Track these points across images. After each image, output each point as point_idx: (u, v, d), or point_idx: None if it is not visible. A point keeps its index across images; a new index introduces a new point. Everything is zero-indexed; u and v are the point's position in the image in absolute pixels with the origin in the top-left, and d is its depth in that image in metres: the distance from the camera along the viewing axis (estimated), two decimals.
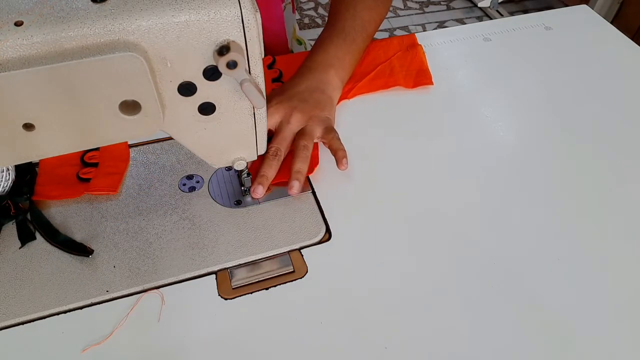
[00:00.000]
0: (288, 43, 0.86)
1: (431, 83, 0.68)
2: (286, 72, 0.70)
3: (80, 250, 0.51)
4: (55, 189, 0.55)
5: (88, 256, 0.51)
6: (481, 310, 0.47)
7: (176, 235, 0.52)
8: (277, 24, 0.81)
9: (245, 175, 0.53)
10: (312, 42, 0.71)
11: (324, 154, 0.59)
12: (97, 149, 0.60)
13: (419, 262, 0.50)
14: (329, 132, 0.58)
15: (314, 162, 0.58)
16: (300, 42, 0.90)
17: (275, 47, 0.83)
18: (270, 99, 0.60)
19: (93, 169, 0.58)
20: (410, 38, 0.75)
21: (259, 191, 0.54)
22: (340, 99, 0.65)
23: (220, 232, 0.53)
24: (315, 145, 0.60)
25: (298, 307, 0.47)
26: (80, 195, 0.55)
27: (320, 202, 0.56)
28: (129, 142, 0.61)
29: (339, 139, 0.58)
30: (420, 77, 0.69)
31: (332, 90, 0.63)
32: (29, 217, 0.53)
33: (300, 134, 0.58)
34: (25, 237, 0.51)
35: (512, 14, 2.32)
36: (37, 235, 0.52)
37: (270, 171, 0.55)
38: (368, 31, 0.68)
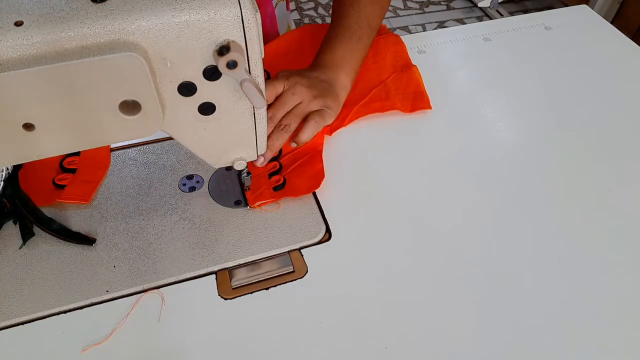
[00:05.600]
0: None
1: (429, 107, 0.65)
2: (274, 66, 0.69)
3: (81, 239, 0.51)
4: (28, 190, 0.54)
5: (91, 244, 0.51)
6: (481, 310, 0.47)
7: (176, 235, 0.52)
8: (267, 19, 0.82)
9: (245, 175, 0.53)
10: None
11: (327, 159, 0.59)
12: (77, 154, 0.59)
13: (419, 262, 0.50)
14: (317, 115, 0.59)
15: (320, 176, 0.57)
16: None
17: (266, 41, 0.83)
18: (279, 72, 0.61)
19: (70, 175, 0.57)
20: (403, 57, 0.72)
21: (260, 161, 0.55)
22: (337, 127, 0.64)
23: (220, 232, 0.53)
24: (320, 158, 0.59)
25: (298, 307, 0.47)
26: (51, 202, 0.54)
27: (320, 202, 0.56)
28: (128, 142, 0.61)
29: (314, 128, 0.58)
30: (417, 100, 0.66)
31: (340, 88, 0.63)
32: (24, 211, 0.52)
33: (292, 111, 0.59)
34: (24, 233, 0.51)
35: (512, 14, 2.32)
36: (37, 233, 0.52)
37: (276, 144, 0.56)
38: (372, 26, 0.68)
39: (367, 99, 0.66)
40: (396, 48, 0.73)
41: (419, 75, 0.69)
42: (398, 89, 0.68)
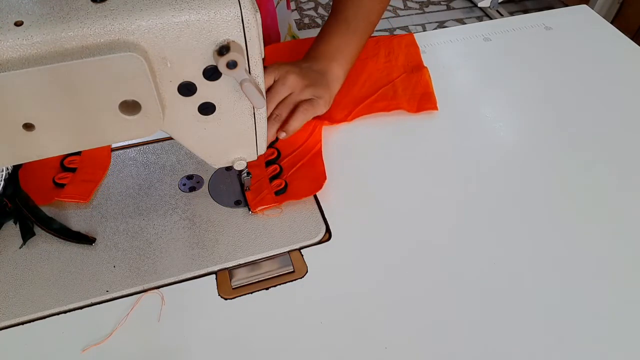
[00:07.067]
0: (281, 38, 0.86)
1: (436, 108, 0.65)
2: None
3: (81, 238, 0.51)
4: (28, 189, 0.54)
5: (91, 244, 0.51)
6: (481, 310, 0.47)
7: (176, 235, 0.52)
8: (268, 17, 0.82)
9: (245, 175, 0.53)
10: None
11: (327, 159, 0.59)
12: (78, 153, 0.59)
13: (419, 262, 0.50)
14: (306, 103, 0.59)
15: (322, 178, 0.57)
16: (294, 39, 0.90)
17: (266, 39, 0.83)
18: (271, 64, 0.61)
19: (70, 174, 0.57)
20: (415, 58, 0.72)
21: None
22: (340, 121, 0.64)
23: (220, 232, 0.53)
24: (321, 160, 0.59)
25: (298, 307, 0.47)
26: (50, 201, 0.54)
27: (320, 202, 0.56)
28: (128, 142, 0.61)
29: (303, 115, 0.58)
30: (424, 101, 0.66)
31: (332, 79, 0.63)
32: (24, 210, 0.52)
33: (283, 101, 0.59)
34: (25, 233, 0.51)
35: (512, 14, 2.32)
36: (37, 233, 0.52)
37: (268, 133, 0.56)
38: (371, 19, 0.67)
39: (373, 98, 0.66)
40: (409, 50, 0.73)
41: (429, 77, 0.69)
42: (406, 89, 0.68)
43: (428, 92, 0.67)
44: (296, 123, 0.57)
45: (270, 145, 0.59)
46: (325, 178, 0.57)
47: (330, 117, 0.63)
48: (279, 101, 0.59)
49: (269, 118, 0.57)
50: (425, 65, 0.71)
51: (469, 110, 0.67)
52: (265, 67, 0.60)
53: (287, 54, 0.73)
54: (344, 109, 0.65)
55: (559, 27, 0.80)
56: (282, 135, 0.57)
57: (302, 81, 0.60)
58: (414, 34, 0.76)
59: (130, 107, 0.36)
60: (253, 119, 0.44)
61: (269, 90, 0.59)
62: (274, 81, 0.59)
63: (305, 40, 0.75)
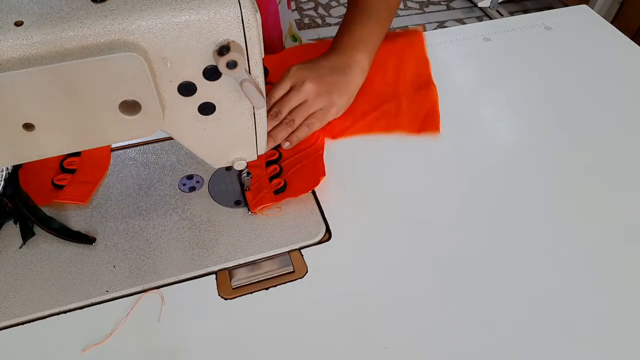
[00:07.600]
0: (282, 38, 0.86)
1: (437, 130, 0.63)
2: (277, 71, 0.69)
3: (81, 238, 0.51)
4: (27, 189, 0.54)
5: (91, 244, 0.51)
6: (481, 310, 0.47)
7: (176, 235, 0.52)
8: (271, 17, 0.82)
9: (245, 175, 0.53)
10: (309, 41, 0.70)
11: (327, 159, 0.59)
12: (78, 155, 0.59)
13: (419, 262, 0.50)
14: (314, 118, 0.60)
15: (320, 174, 0.56)
16: (295, 39, 0.90)
17: (268, 40, 0.83)
18: (290, 67, 0.62)
19: (69, 176, 0.57)
20: (424, 74, 0.70)
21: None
22: (337, 136, 0.63)
23: (220, 232, 0.53)
24: (321, 157, 0.59)
25: (298, 307, 0.47)
26: (49, 202, 0.54)
27: (320, 202, 0.56)
28: (128, 142, 0.61)
29: (309, 128, 0.60)
30: (428, 120, 0.64)
31: (357, 74, 0.63)
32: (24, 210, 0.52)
33: (298, 107, 0.60)
34: (25, 233, 0.51)
35: (512, 14, 2.32)
36: (37, 233, 0.52)
37: (280, 135, 0.58)
38: (391, 4, 0.67)
39: (376, 114, 0.65)
40: (419, 64, 0.71)
41: (437, 95, 0.67)
42: (411, 105, 0.66)
43: (433, 112, 0.65)
44: (301, 134, 0.59)
45: (276, 162, 0.60)
46: (323, 174, 0.57)
47: (331, 128, 0.63)
48: (292, 108, 0.60)
49: (283, 121, 0.59)
50: (434, 82, 0.69)
51: (469, 110, 0.67)
52: (286, 72, 0.61)
53: (296, 60, 0.72)
54: (346, 119, 0.64)
55: (559, 27, 0.80)
56: (286, 145, 0.59)
57: (319, 87, 0.60)
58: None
59: (130, 107, 0.36)
60: (253, 119, 0.44)
61: (284, 96, 0.60)
62: (290, 87, 0.60)
63: (309, 46, 0.75)
